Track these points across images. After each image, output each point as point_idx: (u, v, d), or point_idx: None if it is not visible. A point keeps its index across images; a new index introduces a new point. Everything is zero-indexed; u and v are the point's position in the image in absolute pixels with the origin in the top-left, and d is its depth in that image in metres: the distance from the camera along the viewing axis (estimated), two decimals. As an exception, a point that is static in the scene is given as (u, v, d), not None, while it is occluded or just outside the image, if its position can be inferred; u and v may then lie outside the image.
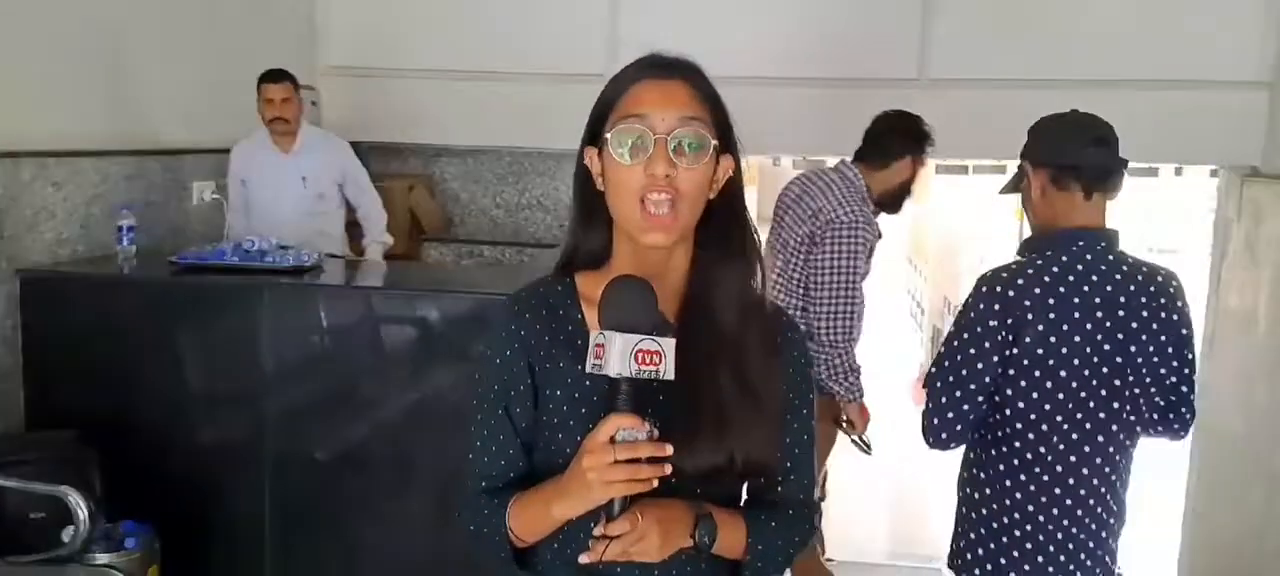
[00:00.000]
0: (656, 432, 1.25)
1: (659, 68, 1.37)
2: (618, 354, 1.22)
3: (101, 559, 2.91)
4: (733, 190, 1.41)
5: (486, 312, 3.46)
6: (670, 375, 1.24)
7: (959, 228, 11.43)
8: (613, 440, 1.23)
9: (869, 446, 3.80)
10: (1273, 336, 4.23)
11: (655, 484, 1.25)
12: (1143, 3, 4.72)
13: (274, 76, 4.42)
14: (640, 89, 1.35)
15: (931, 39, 4.91)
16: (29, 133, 3.61)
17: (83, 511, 2.71)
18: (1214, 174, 5.38)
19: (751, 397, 1.35)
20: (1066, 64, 4.76)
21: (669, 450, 1.24)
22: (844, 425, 3.72)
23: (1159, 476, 6.35)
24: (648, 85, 1.35)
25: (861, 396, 3.66)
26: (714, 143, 1.34)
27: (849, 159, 3.73)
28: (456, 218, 5.86)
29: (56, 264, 3.68)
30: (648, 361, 1.23)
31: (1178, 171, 7.40)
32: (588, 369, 1.25)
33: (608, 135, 1.34)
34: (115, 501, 3.04)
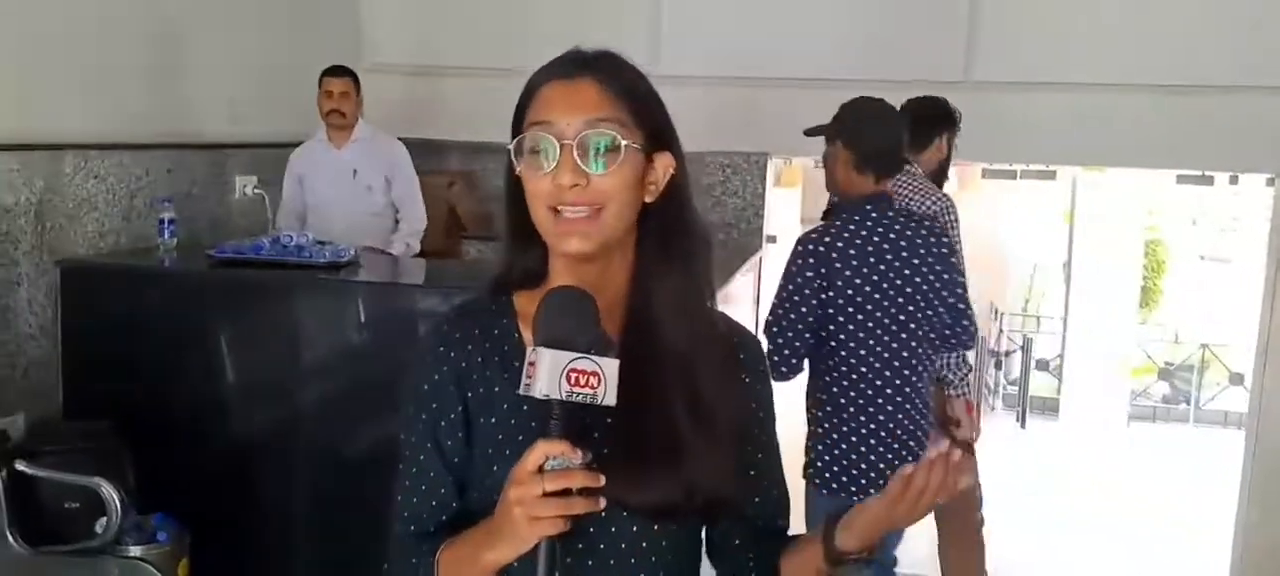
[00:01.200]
0: (592, 459, 1.12)
1: (568, 65, 1.26)
2: (547, 372, 1.10)
3: (133, 551, 2.91)
4: (673, 191, 1.28)
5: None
6: (611, 399, 1.12)
7: (1006, 232, 11.29)
8: (542, 470, 1.11)
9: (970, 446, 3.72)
10: (1327, 349, 4.11)
11: (592, 514, 1.14)
12: (1194, 6, 4.60)
13: (335, 71, 4.50)
14: (547, 91, 1.25)
15: (977, 41, 4.82)
16: (71, 125, 3.65)
17: (115, 502, 2.73)
18: (1270, 183, 5.25)
19: (705, 423, 1.23)
20: (1116, 68, 4.66)
21: (602, 480, 1.12)
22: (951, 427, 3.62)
23: (1210, 487, 6.27)
24: (553, 88, 1.25)
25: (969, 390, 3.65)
26: (625, 143, 1.22)
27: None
28: (497, 214, 5.84)
29: (97, 255, 3.71)
30: (582, 383, 1.11)
31: (1233, 180, 7.23)
32: (520, 389, 1.13)
33: (512, 145, 1.25)
34: (147, 493, 3.05)
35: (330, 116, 4.48)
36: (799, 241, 2.96)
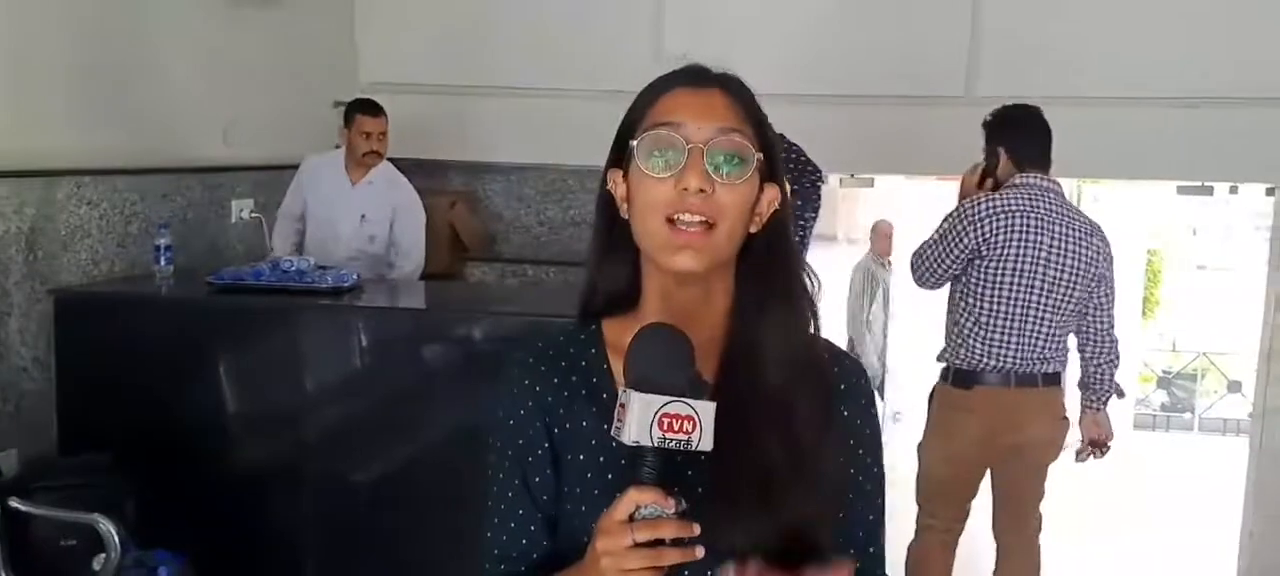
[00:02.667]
0: (685, 507, 1.06)
1: (695, 76, 1.21)
2: (637, 418, 1.04)
3: (135, 587, 2.86)
4: (777, 225, 1.22)
5: (530, 332, 3.39)
6: (707, 445, 1.06)
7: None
8: (632, 518, 1.06)
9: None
10: (1330, 356, 4.11)
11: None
12: (1195, 18, 4.61)
13: (372, 109, 4.40)
14: (674, 97, 1.19)
15: (979, 57, 4.81)
16: (63, 151, 3.60)
17: (114, 539, 2.68)
18: (1270, 193, 5.25)
19: (807, 467, 1.16)
20: (1118, 82, 4.67)
21: (696, 530, 1.06)
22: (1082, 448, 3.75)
23: (1215, 495, 6.25)
24: (682, 93, 1.19)
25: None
26: (759, 156, 1.17)
27: (1035, 175, 3.50)
28: (499, 235, 5.80)
29: (92, 283, 3.66)
30: (675, 428, 1.04)
31: (1233, 190, 7.24)
32: (611, 432, 1.08)
33: (633, 144, 1.18)
34: (148, 528, 2.99)
35: (367, 157, 4.36)
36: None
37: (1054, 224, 3.40)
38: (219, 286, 3.56)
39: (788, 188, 1.24)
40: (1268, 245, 5.10)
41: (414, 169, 4.77)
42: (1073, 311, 3.47)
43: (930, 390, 3.68)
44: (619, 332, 1.21)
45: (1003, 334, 3.41)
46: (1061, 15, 4.75)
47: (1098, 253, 3.47)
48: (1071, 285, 3.42)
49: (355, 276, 3.71)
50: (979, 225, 3.37)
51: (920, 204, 6.43)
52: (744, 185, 1.17)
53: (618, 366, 1.18)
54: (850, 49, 4.83)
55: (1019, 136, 3.49)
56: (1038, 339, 3.42)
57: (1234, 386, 9.59)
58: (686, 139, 1.15)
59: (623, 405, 1.07)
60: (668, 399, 1.05)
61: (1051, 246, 3.39)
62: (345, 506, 3.35)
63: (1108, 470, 7.77)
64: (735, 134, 1.17)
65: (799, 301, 1.24)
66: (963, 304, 3.47)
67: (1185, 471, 7.66)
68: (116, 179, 3.81)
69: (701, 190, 1.14)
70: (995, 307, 3.41)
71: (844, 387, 1.27)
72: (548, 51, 5.18)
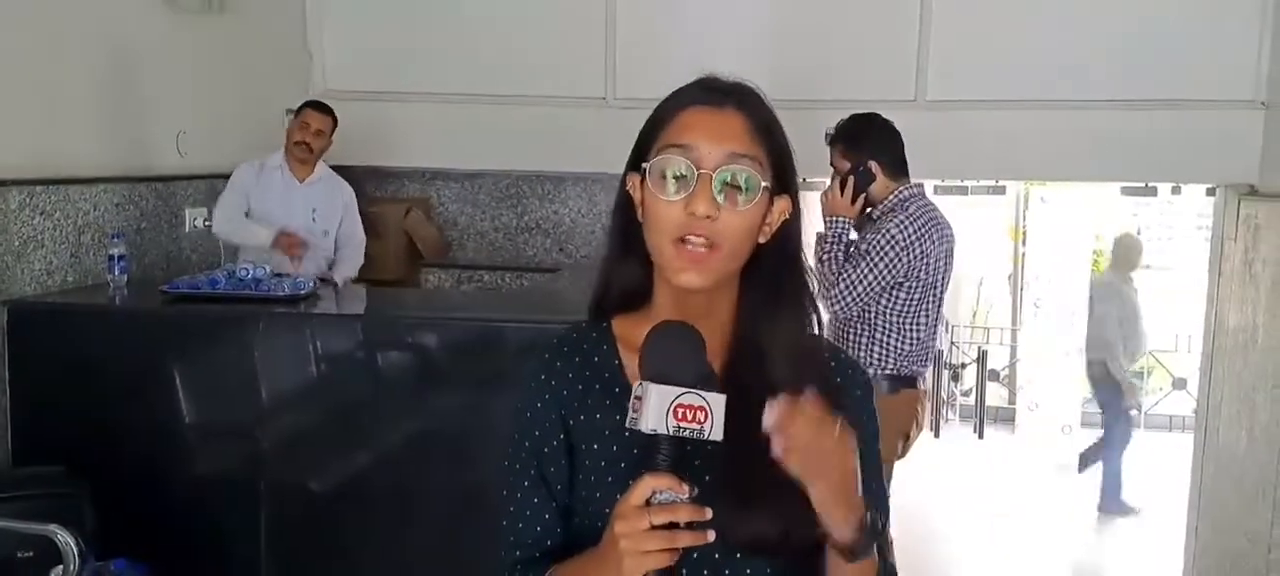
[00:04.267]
0: (697, 492, 1.12)
1: (713, 93, 1.23)
2: (654, 408, 1.10)
3: (93, 598, 2.84)
4: (786, 234, 1.27)
5: (486, 339, 3.42)
6: (717, 435, 1.12)
7: (958, 247, 11.43)
8: (648, 503, 1.11)
9: None
10: (1271, 353, 4.24)
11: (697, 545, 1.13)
12: (1140, 23, 4.72)
13: (322, 107, 4.48)
14: (690, 116, 1.22)
15: (928, 61, 4.90)
16: (15, 160, 3.55)
17: (72, 551, 2.65)
18: (1211, 193, 5.38)
19: None
20: (1064, 85, 4.77)
21: (708, 514, 1.11)
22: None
23: (1161, 492, 6.39)
24: (699, 112, 1.22)
25: None
26: (766, 184, 1.21)
27: (907, 185, 3.57)
28: (454, 241, 5.81)
29: (45, 294, 3.62)
30: (689, 418, 1.11)
31: (1176, 190, 7.41)
32: (627, 423, 1.13)
33: (647, 165, 1.22)
34: (106, 539, 2.97)
35: (296, 148, 4.41)
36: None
37: (944, 230, 3.51)
38: (174, 295, 3.54)
39: (799, 197, 1.29)
40: (1209, 245, 5.21)
41: (368, 176, 4.78)
42: None
43: None
44: (630, 329, 1.27)
45: (927, 342, 3.54)
46: (1008, 20, 4.84)
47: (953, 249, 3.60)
48: (948, 285, 3.61)
49: (311, 284, 3.71)
50: (909, 250, 3.40)
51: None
52: (751, 209, 1.21)
53: (629, 361, 1.25)
54: (801, 54, 4.88)
55: (890, 148, 3.51)
56: (933, 339, 3.60)
57: (1179, 383, 9.77)
58: (697, 164, 1.19)
59: (638, 397, 1.12)
60: (683, 390, 1.11)
61: (947, 254, 3.52)
62: (303, 514, 3.35)
63: (1056, 465, 7.95)
64: (745, 160, 1.20)
65: (804, 304, 1.30)
66: (888, 319, 3.49)
67: (1133, 467, 7.80)
68: (69, 188, 3.78)
69: (708, 216, 1.19)
70: (919, 320, 3.50)
71: (843, 384, 1.33)
72: (501, 58, 5.19)
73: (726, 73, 1.29)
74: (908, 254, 3.41)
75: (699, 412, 1.12)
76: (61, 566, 2.71)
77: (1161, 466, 7.16)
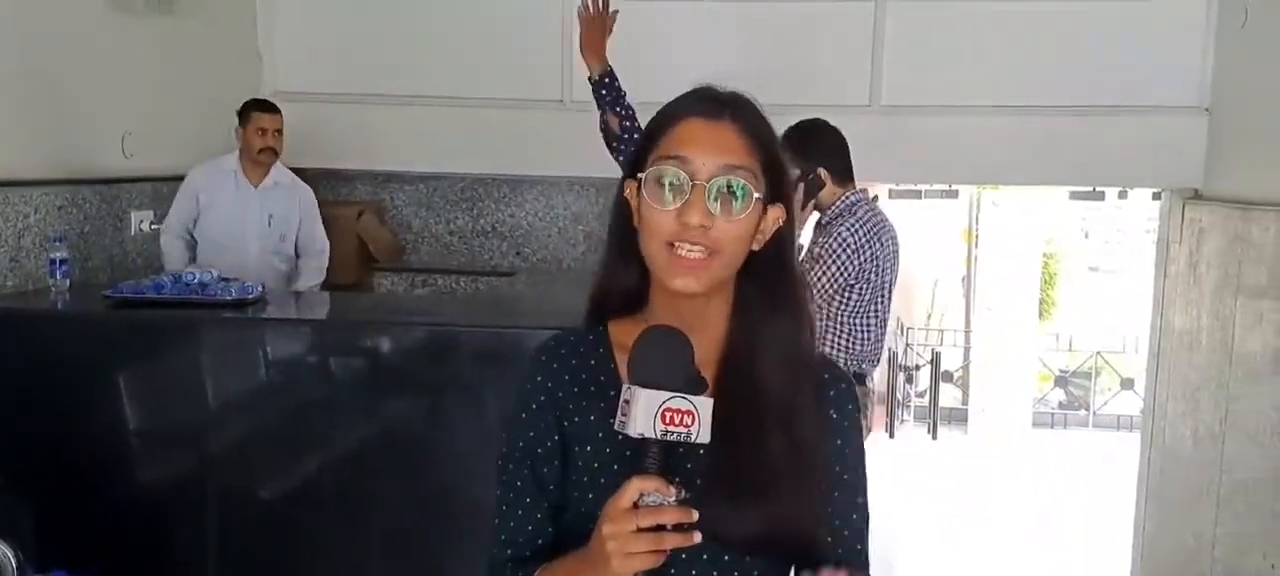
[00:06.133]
0: (685, 495, 1.15)
1: (709, 104, 1.26)
2: (642, 412, 1.13)
3: (34, 611, 2.77)
4: (780, 242, 1.30)
5: (440, 343, 3.39)
6: (705, 438, 1.15)
7: (911, 250, 11.53)
8: (636, 505, 1.14)
9: None
10: (1215, 354, 4.31)
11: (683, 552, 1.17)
12: (1088, 31, 4.79)
13: (268, 106, 4.39)
14: (686, 127, 1.25)
15: (882, 67, 4.93)
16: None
17: (11, 563, 2.59)
18: (1156, 197, 5.48)
19: (799, 463, 1.25)
20: (1014, 91, 4.83)
21: (695, 516, 1.14)
22: None
23: (1110, 489, 6.49)
24: (694, 124, 1.25)
25: None
26: (759, 194, 1.24)
27: (854, 190, 3.61)
28: (408, 245, 5.76)
29: (-15, 300, 3.54)
30: (677, 422, 1.14)
31: (1123, 194, 7.56)
32: (616, 426, 1.17)
33: (643, 174, 1.25)
34: (49, 550, 2.90)
35: (262, 154, 4.35)
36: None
37: (892, 233, 3.61)
38: (118, 300, 3.46)
39: (795, 206, 1.32)
40: (1155, 248, 5.30)
41: (320, 179, 4.72)
42: None
43: None
44: (625, 333, 1.29)
45: (877, 341, 3.61)
46: (961, 27, 4.89)
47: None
48: (895, 286, 3.68)
49: (259, 288, 3.64)
50: (859, 253, 3.46)
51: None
52: (744, 218, 1.24)
53: (623, 364, 1.26)
54: (756, 59, 4.88)
55: (837, 155, 3.55)
56: (882, 338, 3.68)
57: (1127, 384, 9.95)
58: (691, 176, 1.22)
59: (627, 401, 1.15)
60: (670, 395, 1.14)
61: (894, 255, 3.60)
62: (252, 522, 3.30)
63: (1008, 466, 8.05)
64: (739, 171, 1.23)
65: (797, 311, 1.33)
66: (841, 320, 3.54)
67: (1082, 467, 7.92)
68: (9, 191, 3.69)
69: (702, 225, 1.21)
70: (870, 320, 3.57)
71: (832, 393, 1.36)
72: (455, 60, 5.16)
73: (712, 80, 1.31)
74: (858, 257, 3.46)
75: (686, 416, 1.14)
76: (0, 579, 2.65)
77: (1111, 465, 7.27)
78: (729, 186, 1.22)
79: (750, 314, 1.30)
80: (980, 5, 4.85)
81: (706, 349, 1.26)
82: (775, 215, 1.28)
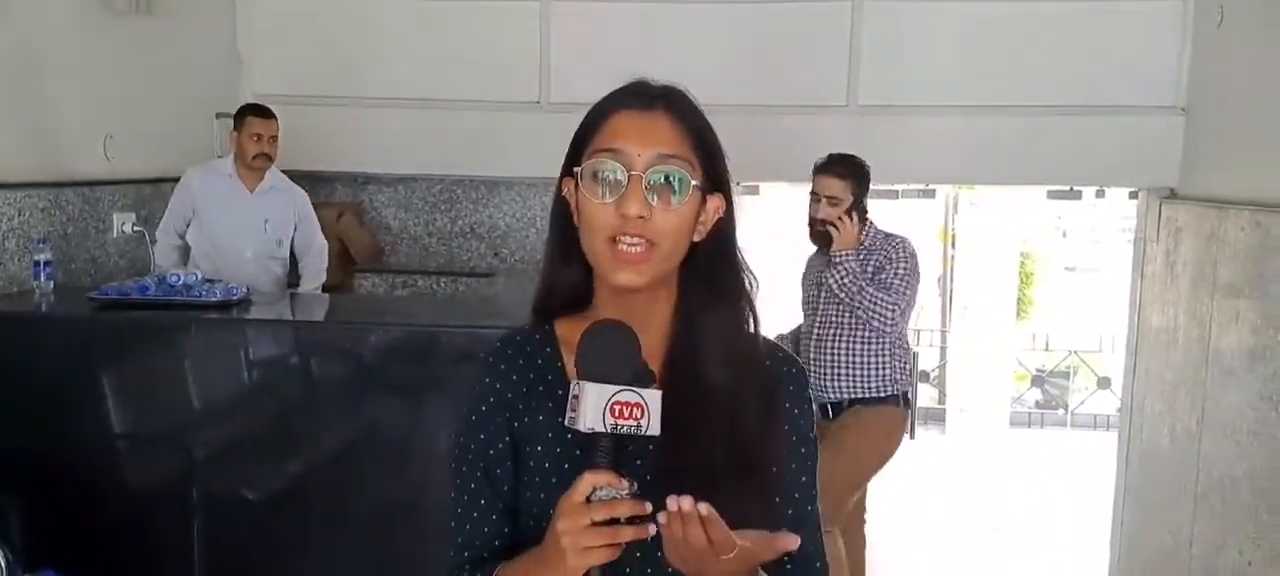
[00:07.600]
0: (637, 489, 1.14)
1: (640, 97, 1.26)
2: (591, 406, 1.12)
3: (20, 611, 2.78)
4: (722, 232, 1.30)
5: (420, 344, 3.40)
6: (655, 430, 1.15)
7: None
8: (589, 500, 1.13)
9: None
10: (1192, 353, 4.33)
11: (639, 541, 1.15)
12: (1064, 31, 4.84)
13: (262, 111, 4.38)
14: (618, 120, 1.25)
15: (860, 67, 4.97)
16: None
17: (2, 564, 2.60)
18: (1133, 196, 5.53)
19: (743, 457, 1.24)
20: (991, 90, 4.87)
21: (649, 508, 1.13)
22: None
23: (1088, 488, 6.54)
24: (627, 117, 1.25)
25: None
26: (695, 183, 1.24)
27: None
28: (387, 246, 5.76)
29: (-32, 302, 3.53)
30: (627, 415, 1.13)
31: (1100, 194, 7.62)
32: (566, 422, 1.16)
33: (578, 169, 1.25)
34: (36, 550, 2.91)
35: (257, 160, 4.35)
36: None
37: None
38: (103, 301, 3.47)
39: (733, 195, 1.31)
40: (1132, 247, 5.35)
41: (300, 181, 4.72)
42: None
43: (846, 409, 3.93)
44: (571, 331, 1.27)
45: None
46: (937, 27, 4.94)
47: None
48: None
49: (244, 289, 3.65)
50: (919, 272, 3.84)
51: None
52: (683, 207, 1.24)
53: (571, 362, 1.24)
54: (735, 59, 4.92)
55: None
56: None
57: (1104, 383, 10.01)
58: (627, 166, 1.22)
59: (576, 396, 1.15)
60: (619, 388, 1.14)
61: None
62: (238, 521, 3.30)
63: (986, 466, 8.09)
64: (675, 160, 1.23)
65: (740, 303, 1.32)
66: (904, 339, 3.92)
67: (1060, 465, 7.97)
68: (-9, 193, 3.69)
69: (640, 216, 1.21)
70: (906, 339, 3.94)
71: (785, 385, 1.35)
72: (433, 62, 5.17)
73: (658, 78, 1.31)
74: (919, 273, 3.84)
75: (635, 409, 1.14)
76: (-13, 579, 2.66)
77: (1088, 464, 7.33)
78: (666, 177, 1.22)
79: (694, 307, 1.30)
80: (957, 6, 4.90)
81: (653, 343, 1.26)
82: (715, 205, 1.28)
